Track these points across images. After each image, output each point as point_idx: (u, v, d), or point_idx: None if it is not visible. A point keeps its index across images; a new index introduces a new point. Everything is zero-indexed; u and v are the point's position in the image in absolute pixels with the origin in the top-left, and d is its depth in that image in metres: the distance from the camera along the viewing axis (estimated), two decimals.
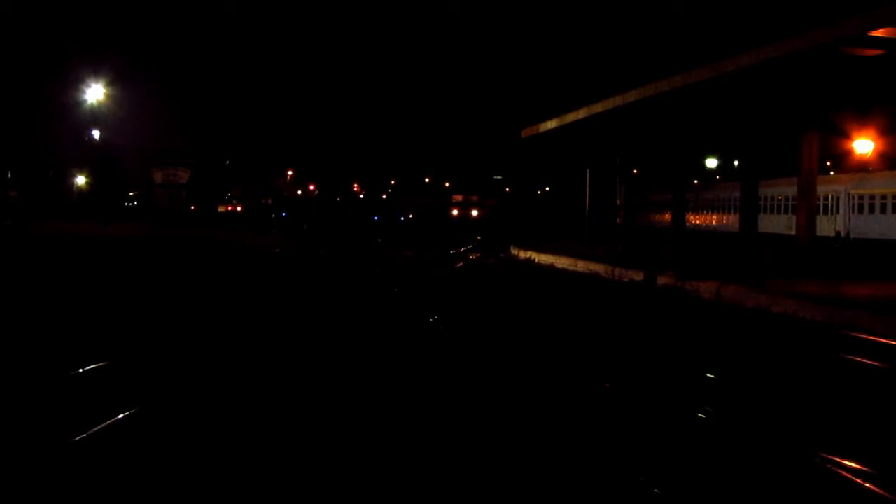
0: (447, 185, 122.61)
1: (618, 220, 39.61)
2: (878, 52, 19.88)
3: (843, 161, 49.44)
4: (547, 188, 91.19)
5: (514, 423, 9.46)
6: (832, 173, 47.05)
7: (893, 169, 37.47)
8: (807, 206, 25.30)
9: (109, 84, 48.65)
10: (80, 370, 11.61)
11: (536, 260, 35.10)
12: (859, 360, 13.14)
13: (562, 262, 32.31)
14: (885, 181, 34.36)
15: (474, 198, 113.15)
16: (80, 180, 77.71)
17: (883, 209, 33.65)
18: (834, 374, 12.50)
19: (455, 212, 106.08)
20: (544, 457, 8.26)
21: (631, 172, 39.42)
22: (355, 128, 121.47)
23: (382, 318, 17.81)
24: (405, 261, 35.04)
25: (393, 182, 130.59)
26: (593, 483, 7.65)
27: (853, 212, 35.28)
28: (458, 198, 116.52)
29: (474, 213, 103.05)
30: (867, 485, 7.49)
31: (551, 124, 38.14)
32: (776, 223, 39.58)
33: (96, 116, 50.12)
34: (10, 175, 77.68)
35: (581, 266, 30.17)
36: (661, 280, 23.80)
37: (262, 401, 10.35)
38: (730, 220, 42.38)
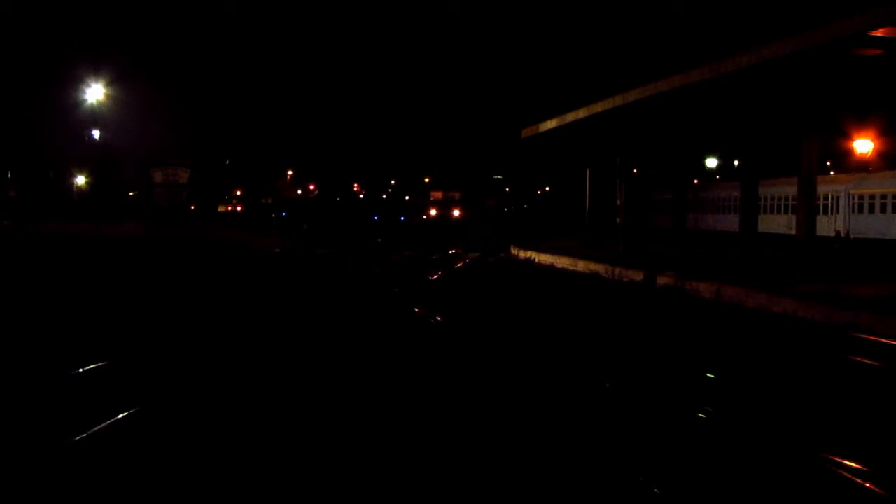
0: (445, 184, 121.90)
1: (618, 220, 39.49)
2: (877, 52, 19.85)
3: (843, 161, 49.42)
4: (547, 188, 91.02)
5: (514, 421, 9.47)
6: (832, 173, 47.03)
7: (893, 169, 37.46)
8: (807, 205, 25.25)
9: (109, 84, 48.58)
10: (80, 370, 11.62)
11: (536, 260, 35.10)
12: (860, 360, 13.14)
13: (562, 262, 32.30)
14: (885, 181, 34.34)
15: (456, 195, 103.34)
16: (80, 180, 77.67)
17: (883, 209, 33.63)
18: (834, 374, 12.50)
19: (434, 211, 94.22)
20: (544, 456, 8.26)
21: (631, 172, 39.30)
22: (355, 128, 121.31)
23: (383, 318, 17.81)
24: (405, 261, 35.05)
25: (393, 182, 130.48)
26: (593, 482, 7.65)
27: (853, 212, 35.26)
28: (438, 195, 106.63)
29: (455, 212, 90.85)
30: (867, 485, 7.49)
31: (551, 124, 38.10)
32: (776, 223, 39.57)
33: (96, 116, 50.04)
34: (10, 175, 77.69)
35: (581, 266, 30.16)
36: (661, 280, 23.80)
37: (261, 399, 10.36)
38: (730, 220, 42.36)
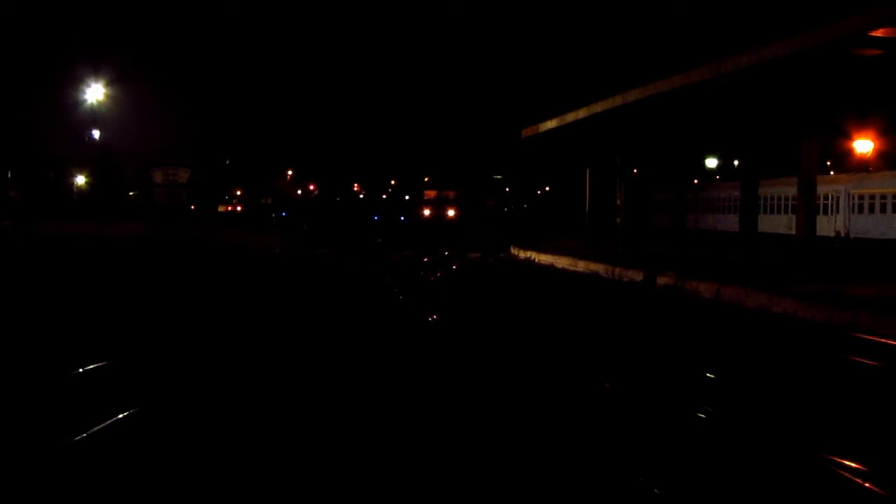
0: (443, 184, 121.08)
1: (618, 220, 39.50)
2: (877, 52, 19.85)
3: (843, 161, 49.39)
4: (547, 188, 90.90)
5: (514, 421, 9.46)
6: (832, 173, 47.00)
7: (893, 169, 37.44)
8: (807, 205, 25.25)
9: (109, 84, 48.58)
10: (80, 370, 11.62)
11: (536, 260, 35.09)
12: (860, 360, 13.14)
13: (561, 262, 32.30)
14: (885, 181, 34.32)
15: (451, 194, 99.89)
16: (80, 180, 77.64)
17: (883, 209, 33.61)
18: (834, 374, 12.50)
19: (427, 211, 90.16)
20: (544, 456, 8.26)
21: (631, 172, 39.28)
22: (355, 128, 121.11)
23: (383, 318, 17.81)
24: (405, 261, 35.05)
25: (393, 182, 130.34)
26: (593, 482, 7.65)
27: (853, 212, 35.24)
28: (431, 194, 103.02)
29: (450, 212, 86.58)
30: (867, 485, 7.49)
31: (551, 124, 38.10)
32: (776, 223, 39.54)
33: (96, 116, 50.01)
34: (10, 175, 77.68)
35: (581, 266, 30.16)
36: (661, 280, 23.80)
37: (261, 398, 10.36)
38: (730, 220, 42.35)
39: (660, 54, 50.68)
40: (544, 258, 34.49)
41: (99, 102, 48.35)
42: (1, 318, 16.76)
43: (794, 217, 30.46)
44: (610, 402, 10.56)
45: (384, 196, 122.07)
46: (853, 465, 7.89)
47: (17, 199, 75.74)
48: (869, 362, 12.95)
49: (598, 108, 32.03)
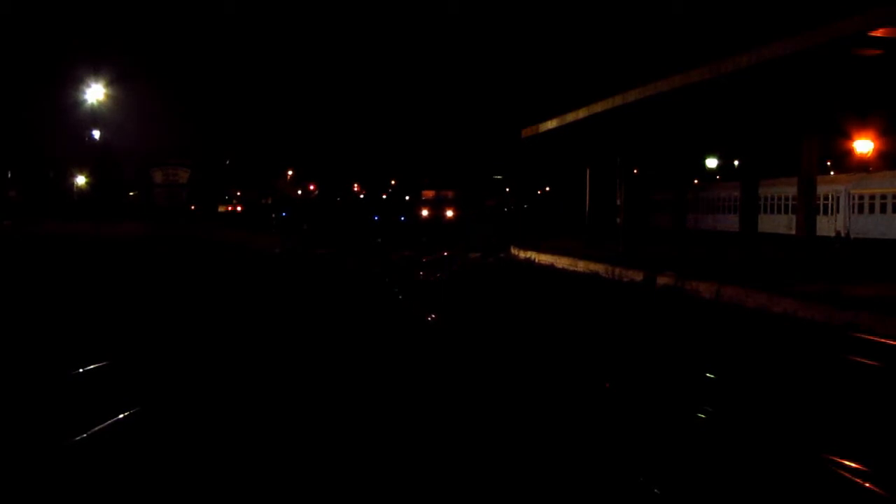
0: (441, 184, 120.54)
1: (618, 220, 39.48)
2: (877, 52, 19.86)
3: (843, 161, 49.41)
4: (547, 188, 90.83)
5: (513, 421, 9.46)
6: (832, 173, 47.01)
7: (893, 169, 37.44)
8: (807, 205, 25.24)
9: (109, 84, 48.62)
10: (80, 370, 11.62)
11: (536, 260, 35.09)
12: (860, 360, 13.14)
13: (562, 262, 32.30)
14: (885, 181, 34.32)
15: (449, 194, 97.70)
16: (80, 180, 77.64)
17: (883, 209, 33.62)
18: (834, 374, 12.50)
19: (425, 212, 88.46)
20: (544, 456, 8.26)
21: (631, 172, 39.27)
22: (355, 128, 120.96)
23: (382, 319, 17.81)
24: (405, 261, 35.04)
25: (393, 182, 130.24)
26: (593, 482, 7.65)
27: (853, 212, 35.25)
28: (429, 195, 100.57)
29: (449, 213, 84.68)
30: (867, 485, 7.49)
31: (551, 124, 38.10)
32: (776, 223, 39.54)
33: (96, 116, 50.03)
34: (10, 175, 77.68)
35: (581, 266, 30.16)
36: (662, 280, 23.80)
37: (261, 399, 10.36)
38: (730, 220, 42.35)
39: (660, 54, 50.65)
40: (544, 258, 34.49)
41: (99, 102, 48.39)
42: (1, 318, 16.77)
43: (794, 217, 30.45)
44: (610, 402, 10.56)
45: (384, 196, 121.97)
46: (853, 465, 7.89)
47: (17, 199, 75.74)
48: (869, 362, 12.95)
49: (598, 108, 32.02)
